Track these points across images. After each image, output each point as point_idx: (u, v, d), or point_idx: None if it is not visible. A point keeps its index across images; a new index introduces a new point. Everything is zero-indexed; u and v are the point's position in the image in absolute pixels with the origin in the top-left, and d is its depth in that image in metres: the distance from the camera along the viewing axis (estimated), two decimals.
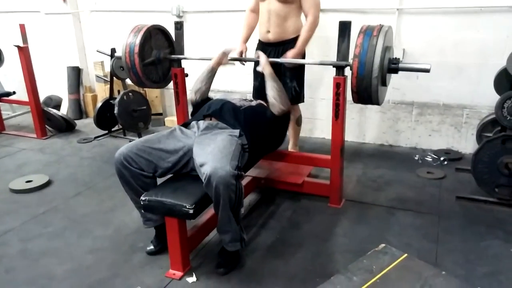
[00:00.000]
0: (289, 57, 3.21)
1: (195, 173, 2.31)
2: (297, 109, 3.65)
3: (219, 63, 3.06)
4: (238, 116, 2.63)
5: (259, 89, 3.34)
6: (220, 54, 3.07)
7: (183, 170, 2.45)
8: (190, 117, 3.07)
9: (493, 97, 3.13)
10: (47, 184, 3.56)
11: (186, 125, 2.71)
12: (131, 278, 2.35)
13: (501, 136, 2.90)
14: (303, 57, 3.38)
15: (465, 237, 2.65)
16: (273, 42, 3.34)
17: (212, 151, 2.22)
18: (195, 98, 2.99)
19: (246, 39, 3.53)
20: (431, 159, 3.89)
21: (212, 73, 3.03)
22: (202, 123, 2.60)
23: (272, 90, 2.82)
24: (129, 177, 2.38)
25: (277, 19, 3.26)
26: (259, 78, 3.38)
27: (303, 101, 3.59)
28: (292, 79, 3.35)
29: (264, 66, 2.93)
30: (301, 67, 3.44)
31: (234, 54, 3.29)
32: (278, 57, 3.23)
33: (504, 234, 2.67)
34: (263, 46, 3.43)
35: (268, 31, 3.32)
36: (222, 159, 2.15)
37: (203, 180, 2.13)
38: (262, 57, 2.98)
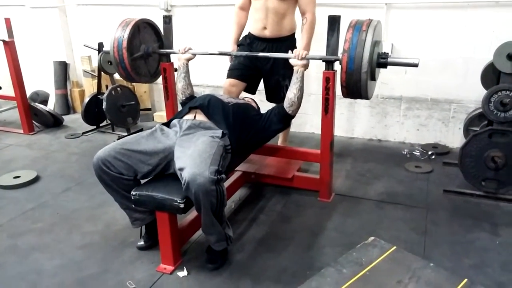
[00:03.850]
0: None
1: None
2: None
3: (187, 59, 3.04)
4: (225, 111, 2.60)
5: (239, 68, 3.41)
6: (182, 49, 3.04)
7: (165, 172, 2.40)
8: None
9: (480, 92, 3.17)
10: (35, 180, 3.53)
11: (168, 123, 2.64)
12: (121, 273, 2.35)
13: (488, 130, 2.94)
14: None
15: (452, 230, 2.69)
16: (269, 38, 3.29)
17: (192, 155, 2.17)
18: (180, 97, 3.02)
19: (237, 39, 3.49)
20: (419, 154, 3.93)
21: (184, 71, 3.01)
22: (185, 123, 2.52)
23: (299, 90, 2.74)
24: (109, 181, 2.34)
25: (275, 17, 3.21)
26: (241, 57, 3.38)
27: None
28: (285, 78, 3.31)
29: (303, 65, 2.76)
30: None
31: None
32: (271, 52, 3.17)
33: (491, 227, 2.71)
34: (256, 40, 3.36)
35: (265, 28, 3.27)
36: (201, 164, 2.09)
37: (182, 185, 2.09)
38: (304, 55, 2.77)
